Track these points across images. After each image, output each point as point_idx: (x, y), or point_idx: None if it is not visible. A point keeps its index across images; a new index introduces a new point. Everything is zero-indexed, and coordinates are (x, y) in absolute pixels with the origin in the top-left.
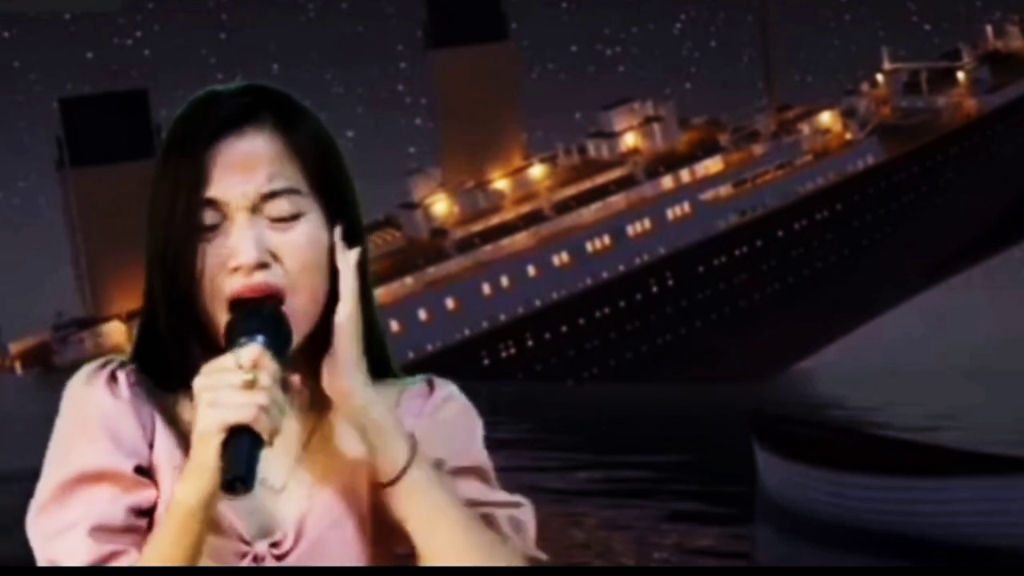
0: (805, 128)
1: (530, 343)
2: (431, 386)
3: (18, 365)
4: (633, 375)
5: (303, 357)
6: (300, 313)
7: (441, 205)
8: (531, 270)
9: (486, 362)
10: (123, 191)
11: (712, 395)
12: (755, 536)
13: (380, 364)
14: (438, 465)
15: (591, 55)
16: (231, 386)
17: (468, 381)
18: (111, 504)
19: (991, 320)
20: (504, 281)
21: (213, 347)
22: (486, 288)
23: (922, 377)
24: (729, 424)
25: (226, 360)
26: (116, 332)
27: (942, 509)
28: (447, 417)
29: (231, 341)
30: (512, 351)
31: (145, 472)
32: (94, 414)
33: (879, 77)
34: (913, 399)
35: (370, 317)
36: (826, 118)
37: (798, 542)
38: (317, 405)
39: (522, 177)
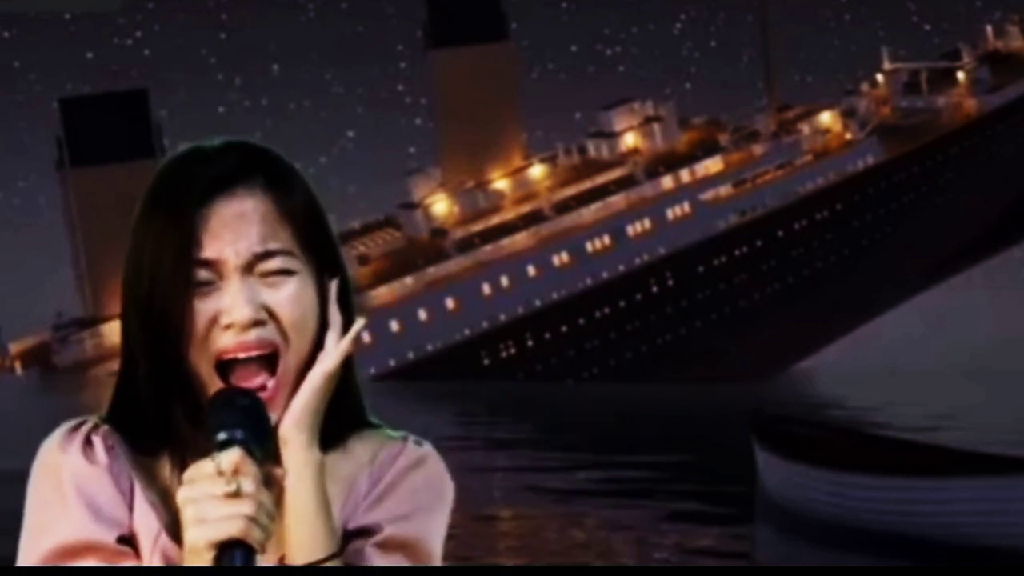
0: (805, 128)
1: (530, 343)
2: (404, 447)
3: (18, 365)
4: (633, 375)
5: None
6: (292, 369)
7: (441, 205)
8: (531, 270)
9: (486, 362)
10: (123, 191)
11: (712, 395)
12: (755, 536)
13: (351, 418)
14: (368, 532)
15: (591, 55)
16: (214, 498)
17: (468, 381)
18: None
19: (991, 320)
20: (504, 281)
21: (196, 407)
22: (486, 288)
23: (922, 377)
24: (729, 424)
25: (206, 467)
26: (116, 332)
27: (942, 509)
28: (408, 485)
29: (209, 435)
30: (512, 351)
31: (127, 540)
32: (71, 483)
33: (879, 77)
34: (913, 399)
35: (349, 378)
36: (826, 118)
37: (798, 542)
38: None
39: (522, 177)
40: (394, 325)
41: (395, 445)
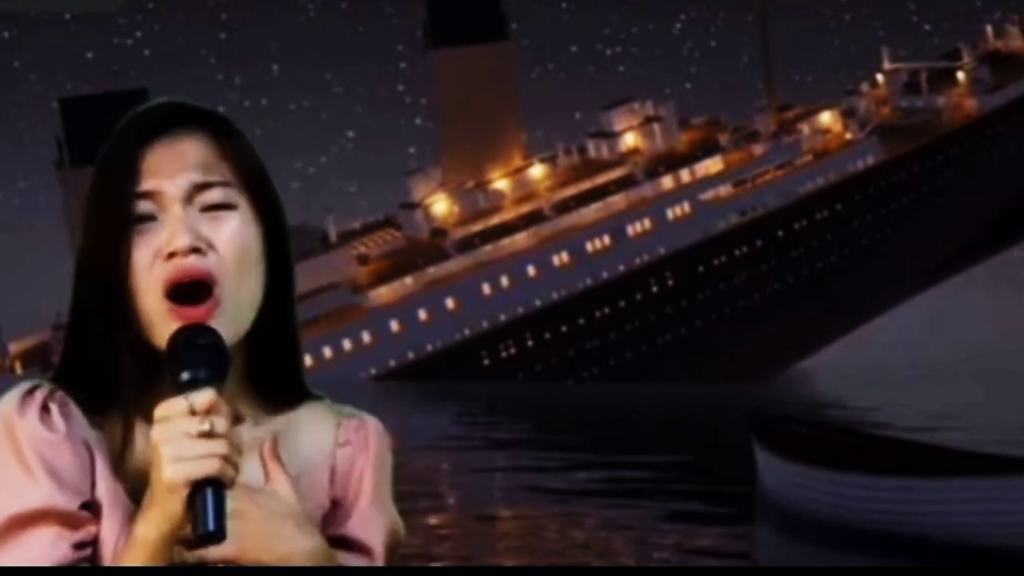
0: (805, 128)
1: (530, 343)
2: (364, 427)
3: (18, 365)
4: (633, 375)
5: (236, 361)
6: (233, 302)
7: (441, 205)
8: (531, 270)
9: (486, 362)
10: None
11: (712, 395)
12: (755, 536)
13: (296, 385)
14: (362, 549)
15: (591, 55)
16: (189, 436)
17: (468, 381)
18: (56, 543)
19: (991, 320)
20: (504, 281)
21: (145, 350)
22: (486, 288)
23: (922, 377)
24: (729, 424)
25: (178, 405)
26: None
27: (942, 509)
28: (383, 482)
29: (174, 375)
30: (512, 351)
31: (89, 507)
32: (31, 450)
33: (879, 77)
34: (913, 399)
35: (292, 337)
36: (826, 118)
37: (798, 542)
38: (250, 419)
39: (522, 177)
40: (394, 325)
41: (355, 424)
